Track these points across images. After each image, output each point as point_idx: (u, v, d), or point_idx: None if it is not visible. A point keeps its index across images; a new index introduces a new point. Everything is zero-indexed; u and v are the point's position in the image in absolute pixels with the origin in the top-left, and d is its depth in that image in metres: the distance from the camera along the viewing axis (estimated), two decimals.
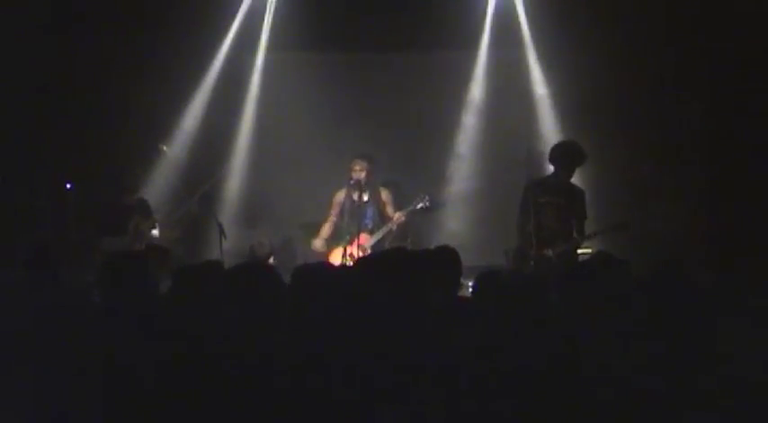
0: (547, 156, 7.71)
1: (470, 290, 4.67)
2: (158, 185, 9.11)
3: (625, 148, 9.17)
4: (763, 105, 8.77)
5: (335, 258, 8.26)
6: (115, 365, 3.54)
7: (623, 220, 7.50)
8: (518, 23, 9.42)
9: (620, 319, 3.90)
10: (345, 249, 8.27)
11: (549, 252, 7.22)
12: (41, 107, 9.15)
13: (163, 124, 9.32)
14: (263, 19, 9.61)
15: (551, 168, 7.70)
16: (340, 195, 8.56)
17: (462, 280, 4.77)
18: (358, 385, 3.46)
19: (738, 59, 8.86)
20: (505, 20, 9.41)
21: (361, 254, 7.83)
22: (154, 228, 8.45)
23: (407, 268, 4.28)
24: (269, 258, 8.27)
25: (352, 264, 5.93)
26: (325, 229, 8.59)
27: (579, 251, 7.50)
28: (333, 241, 8.58)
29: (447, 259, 4.78)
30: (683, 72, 9.12)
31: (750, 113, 8.83)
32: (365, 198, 8.41)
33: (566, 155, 7.52)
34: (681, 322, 3.74)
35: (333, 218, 8.57)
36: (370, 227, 8.43)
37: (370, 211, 8.47)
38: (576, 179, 7.77)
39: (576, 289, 4.46)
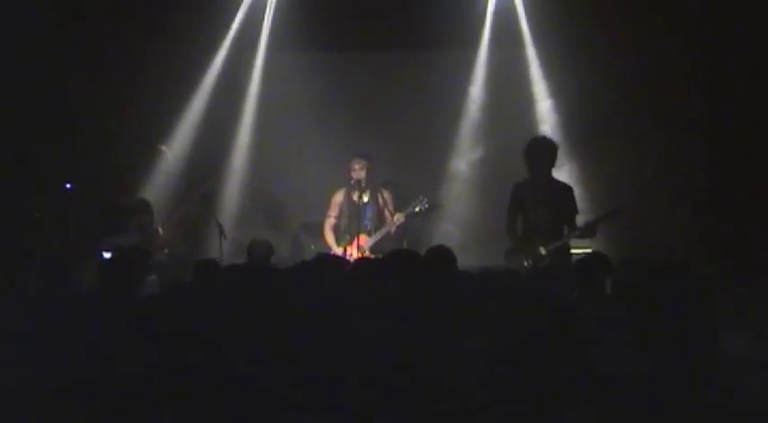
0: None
1: None
2: (158, 185, 9.10)
3: (626, 148, 9.16)
4: (765, 105, 8.75)
5: None
6: (108, 363, 3.55)
7: (618, 206, 7.42)
8: (518, 23, 9.42)
9: (618, 319, 3.89)
10: (345, 250, 8.22)
11: (542, 250, 7.20)
12: (41, 107, 9.14)
13: (163, 124, 9.33)
14: (263, 19, 9.64)
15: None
16: (339, 195, 8.48)
17: None
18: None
19: (741, 59, 8.85)
20: (505, 19, 9.42)
21: (359, 255, 7.79)
22: (157, 227, 8.43)
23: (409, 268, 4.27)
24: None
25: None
26: (328, 232, 8.49)
27: (578, 250, 7.48)
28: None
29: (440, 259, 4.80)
30: (685, 71, 9.11)
31: (751, 113, 8.82)
32: (365, 199, 8.34)
33: (538, 151, 7.46)
34: (681, 322, 3.73)
35: (332, 219, 8.49)
36: (369, 228, 8.34)
37: (369, 212, 8.39)
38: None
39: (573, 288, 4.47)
